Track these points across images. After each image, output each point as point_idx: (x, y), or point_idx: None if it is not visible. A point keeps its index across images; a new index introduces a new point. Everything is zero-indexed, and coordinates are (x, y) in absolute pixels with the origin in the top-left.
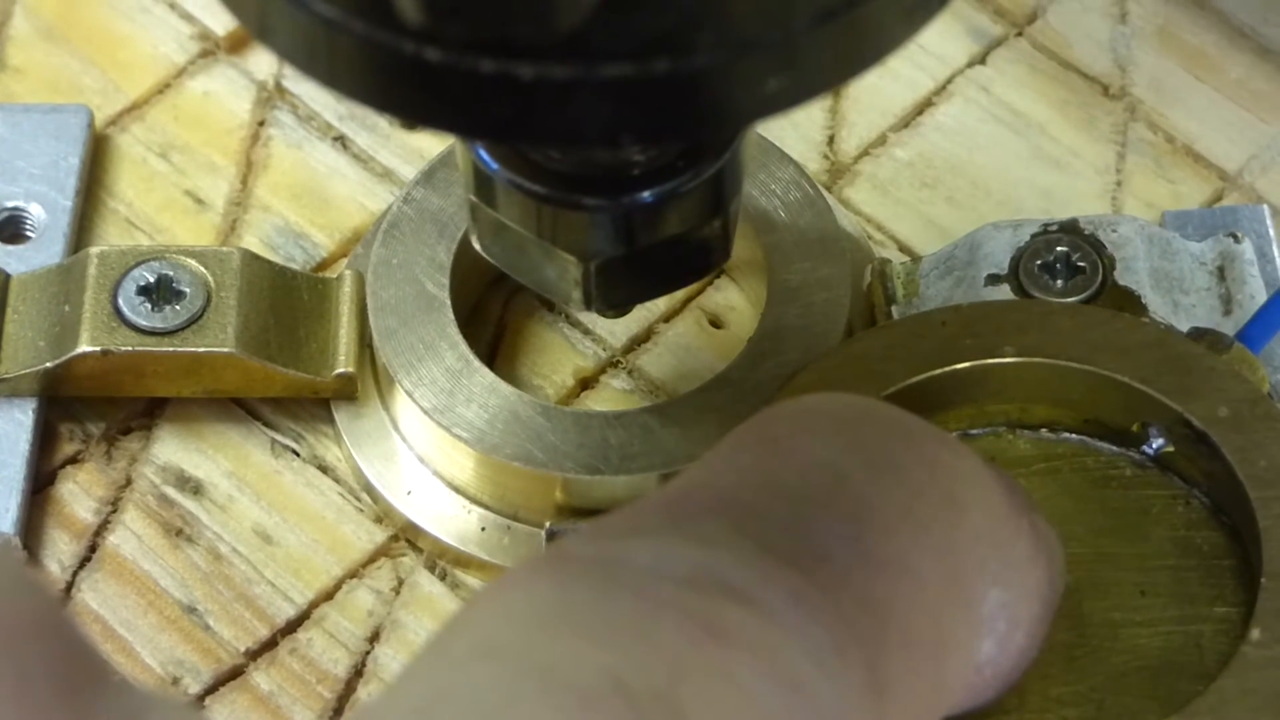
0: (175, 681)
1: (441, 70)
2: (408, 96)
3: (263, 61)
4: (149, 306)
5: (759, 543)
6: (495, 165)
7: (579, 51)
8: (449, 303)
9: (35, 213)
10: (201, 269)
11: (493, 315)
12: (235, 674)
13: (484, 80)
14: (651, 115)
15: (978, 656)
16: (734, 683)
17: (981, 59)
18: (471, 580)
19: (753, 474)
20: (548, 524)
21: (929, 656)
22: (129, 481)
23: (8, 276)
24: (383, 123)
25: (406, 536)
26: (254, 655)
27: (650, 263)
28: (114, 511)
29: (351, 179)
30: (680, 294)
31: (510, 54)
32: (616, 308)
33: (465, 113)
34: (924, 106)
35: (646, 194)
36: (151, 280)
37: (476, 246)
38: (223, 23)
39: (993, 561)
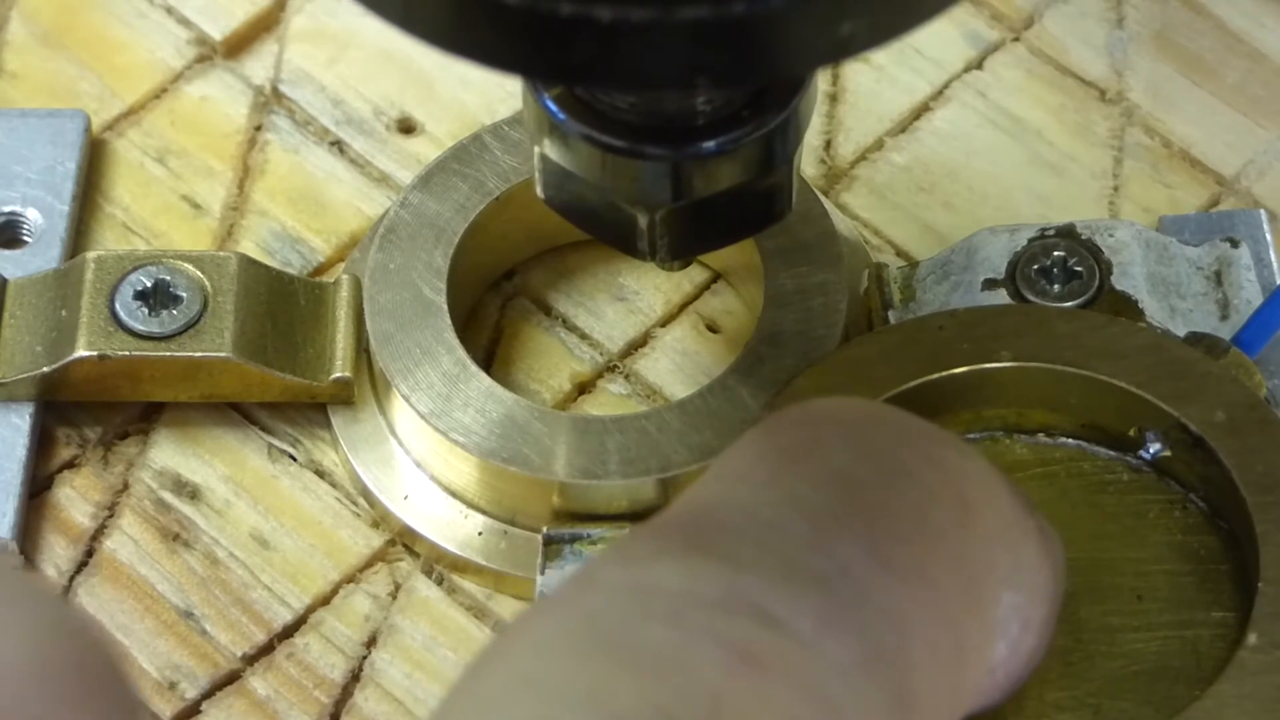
0: (172, 686)
1: (520, 13)
2: (485, 39)
3: (260, 66)
4: (146, 311)
5: (784, 562)
6: (562, 115)
7: None
8: (446, 308)
9: (32, 217)
10: (198, 274)
11: (490, 320)
12: (232, 679)
13: (562, 23)
14: (728, 57)
15: (991, 659)
16: (772, 710)
17: (978, 64)
18: (468, 585)
19: (769, 489)
20: (545, 529)
21: (949, 664)
22: (126, 486)
23: (5, 281)
24: (380, 127)
25: (403, 541)
26: (251, 660)
27: (713, 214)
28: (111, 516)
29: (348, 184)
30: (677, 299)
31: None
32: (679, 258)
33: (543, 56)
34: (921, 111)
35: (711, 144)
36: (148, 285)
37: (540, 196)
38: (220, 28)
39: (1005, 564)
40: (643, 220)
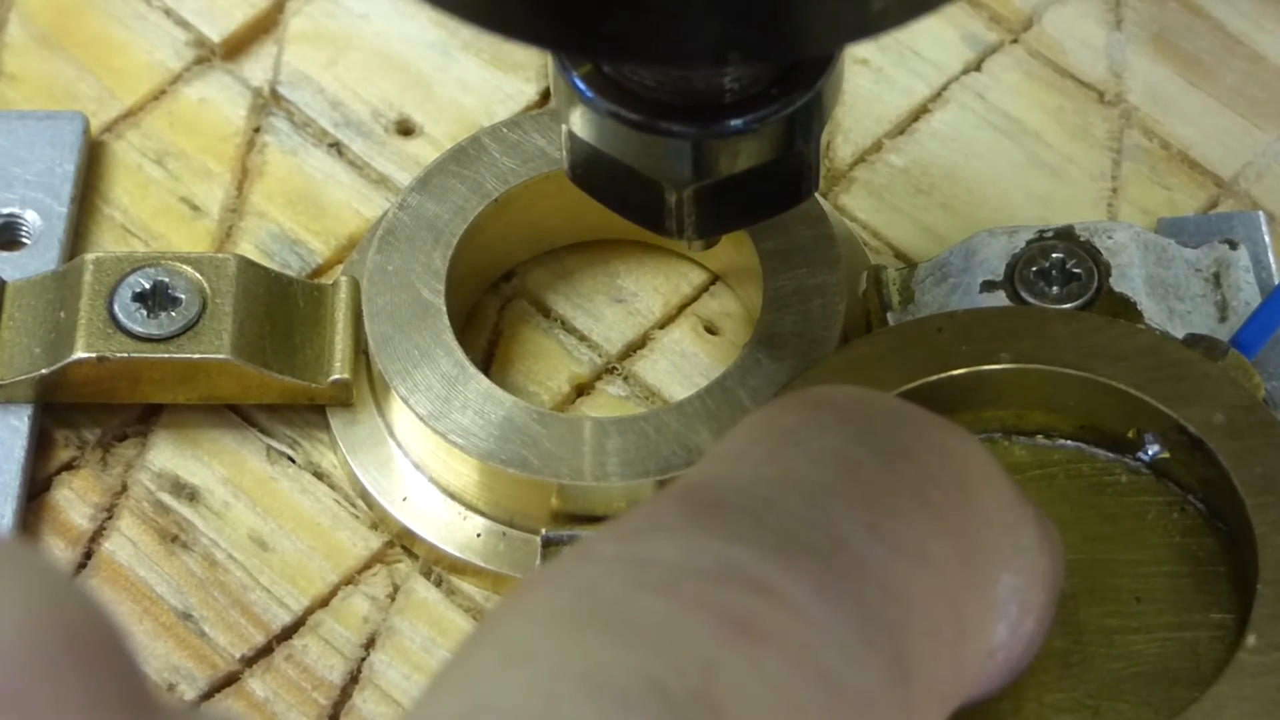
0: (171, 688)
1: None
2: (518, 14)
3: (258, 68)
4: (144, 313)
5: (780, 534)
6: (590, 93)
7: None
8: (444, 309)
9: (31, 219)
10: (197, 276)
11: (488, 322)
12: (231, 680)
13: None
14: (760, 32)
15: (992, 641)
16: (766, 678)
17: (977, 66)
18: (467, 587)
19: (767, 466)
20: (543, 530)
21: (949, 642)
22: (124, 488)
23: (3, 283)
24: (378, 129)
25: (402, 543)
26: (250, 662)
27: (741, 192)
28: (109, 518)
29: (347, 185)
30: (675, 300)
31: None
32: (706, 236)
33: (575, 31)
34: (919, 113)
35: (739, 121)
36: (147, 287)
37: (568, 175)
38: (218, 29)
39: (1004, 546)
40: (670, 198)
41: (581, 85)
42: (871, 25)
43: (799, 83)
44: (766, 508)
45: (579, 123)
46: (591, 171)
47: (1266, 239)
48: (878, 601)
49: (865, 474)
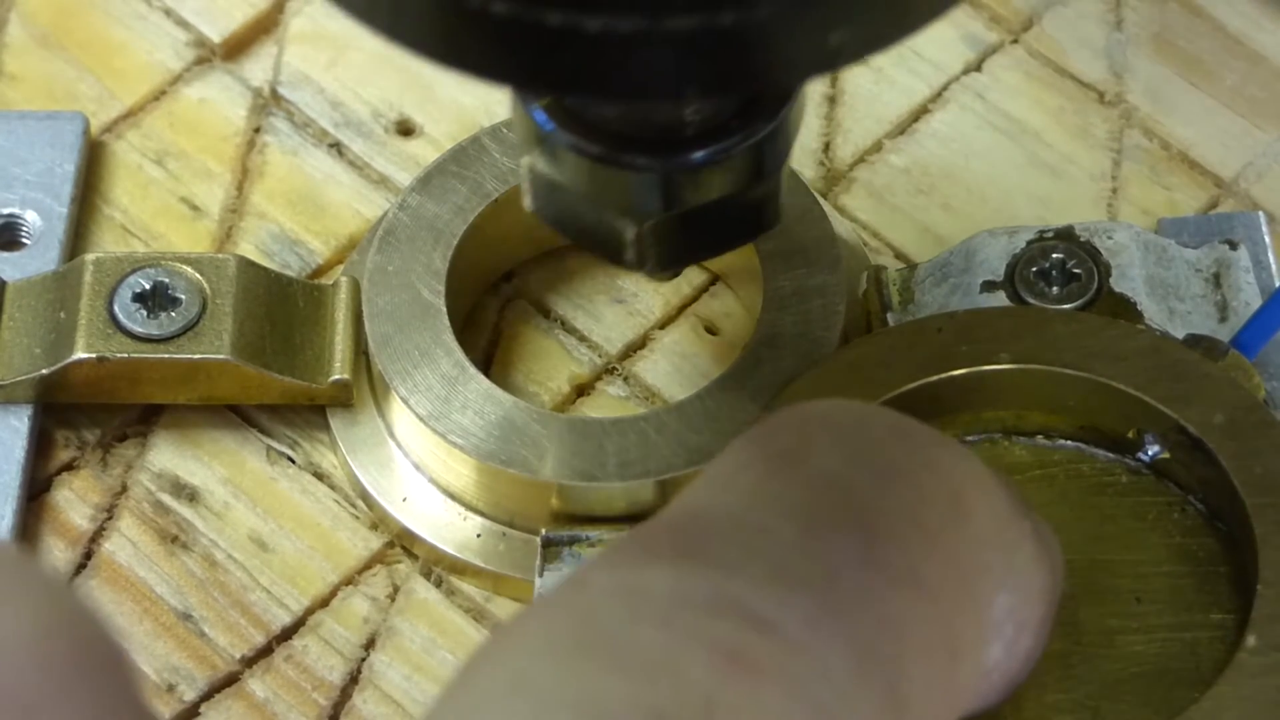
0: (171, 689)
1: (508, 23)
2: (472, 50)
3: (258, 69)
4: (145, 313)
5: (773, 565)
6: (551, 125)
7: (645, 4)
8: (444, 309)
9: (31, 219)
10: (197, 276)
11: (488, 322)
12: (231, 681)
13: (550, 33)
14: (716, 68)
15: (987, 662)
16: (765, 712)
17: (977, 66)
18: (467, 587)
19: (759, 493)
20: (543, 531)
21: (943, 667)
22: (124, 488)
23: (3, 283)
24: (378, 129)
25: (402, 543)
26: (250, 662)
27: (702, 224)
28: (109, 518)
29: (347, 186)
30: (676, 301)
31: (577, 6)
32: (668, 269)
33: (530, 66)
34: (920, 113)
35: (699, 154)
36: (147, 287)
37: (528, 207)
38: (219, 30)
39: (999, 565)
40: (630, 231)
41: (541, 118)
42: (829, 61)
43: (761, 114)
44: (759, 537)
45: (538, 156)
46: (552, 205)
47: (1266, 239)
48: (872, 632)
49: (858, 497)
